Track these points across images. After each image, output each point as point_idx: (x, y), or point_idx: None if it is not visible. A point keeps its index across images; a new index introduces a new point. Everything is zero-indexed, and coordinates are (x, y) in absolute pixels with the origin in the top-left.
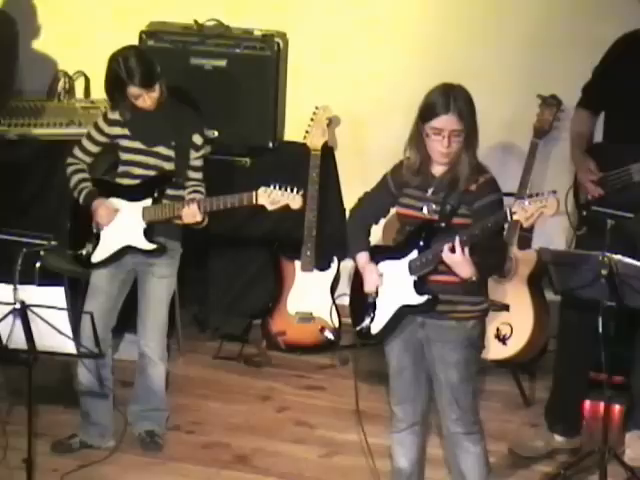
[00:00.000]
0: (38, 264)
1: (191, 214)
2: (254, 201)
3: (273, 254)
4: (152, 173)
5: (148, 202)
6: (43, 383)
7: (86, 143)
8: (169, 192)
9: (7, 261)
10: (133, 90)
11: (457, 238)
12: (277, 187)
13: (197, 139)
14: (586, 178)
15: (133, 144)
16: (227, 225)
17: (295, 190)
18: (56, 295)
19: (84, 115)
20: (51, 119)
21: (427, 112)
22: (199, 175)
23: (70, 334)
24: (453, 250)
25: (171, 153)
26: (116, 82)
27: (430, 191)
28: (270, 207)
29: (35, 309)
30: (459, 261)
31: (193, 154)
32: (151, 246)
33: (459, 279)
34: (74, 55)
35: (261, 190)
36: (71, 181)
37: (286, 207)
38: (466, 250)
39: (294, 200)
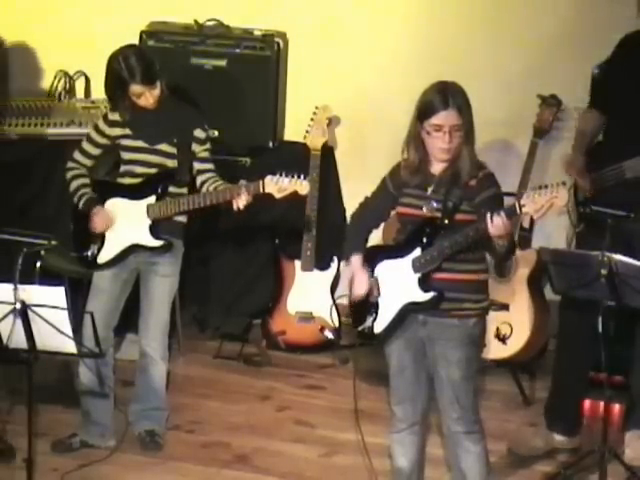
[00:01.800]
0: (38, 264)
1: (242, 200)
2: (261, 189)
3: (273, 254)
4: (154, 171)
5: (152, 199)
6: (43, 382)
7: (86, 146)
8: (171, 189)
9: (7, 261)
10: (135, 88)
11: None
12: (283, 174)
13: (199, 133)
14: (572, 171)
15: (135, 143)
16: (227, 225)
17: (302, 176)
18: (56, 295)
19: (84, 115)
20: (51, 119)
21: (426, 110)
22: (211, 166)
23: (70, 334)
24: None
25: (173, 150)
26: (118, 81)
27: (430, 189)
28: (278, 195)
29: (35, 309)
30: (502, 224)
31: (199, 148)
32: (157, 243)
33: (463, 276)
34: (74, 55)
35: (268, 178)
36: (71, 186)
37: (294, 194)
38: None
39: (301, 186)
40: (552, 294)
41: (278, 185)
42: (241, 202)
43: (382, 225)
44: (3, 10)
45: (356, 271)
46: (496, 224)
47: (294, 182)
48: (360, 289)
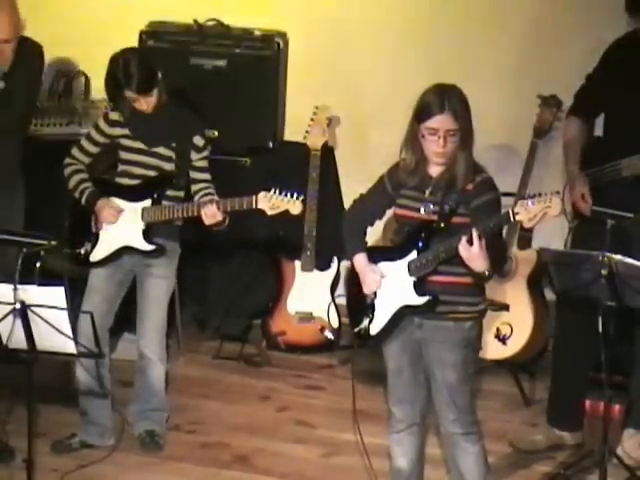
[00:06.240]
0: (38, 264)
1: (211, 215)
2: (254, 205)
3: (273, 254)
4: (152, 173)
5: (147, 203)
6: (43, 383)
7: (85, 144)
8: (169, 193)
9: (7, 261)
10: (129, 94)
11: (474, 230)
12: (277, 192)
13: (198, 140)
14: (578, 200)
15: (134, 144)
16: (228, 225)
17: (295, 195)
18: (56, 295)
19: (84, 115)
20: (51, 119)
21: (422, 112)
22: (206, 176)
23: (70, 334)
24: (471, 242)
25: (171, 154)
26: (114, 84)
27: (428, 191)
28: (270, 212)
29: (35, 309)
30: (476, 254)
31: (196, 155)
32: (149, 247)
33: (459, 279)
34: (74, 55)
35: (261, 195)
36: (71, 182)
37: (286, 212)
38: (482, 242)
39: (294, 206)
40: (552, 294)
41: (271, 202)
42: (207, 219)
43: (377, 223)
44: None
45: (365, 268)
46: (468, 248)
47: (287, 201)
48: (372, 285)
